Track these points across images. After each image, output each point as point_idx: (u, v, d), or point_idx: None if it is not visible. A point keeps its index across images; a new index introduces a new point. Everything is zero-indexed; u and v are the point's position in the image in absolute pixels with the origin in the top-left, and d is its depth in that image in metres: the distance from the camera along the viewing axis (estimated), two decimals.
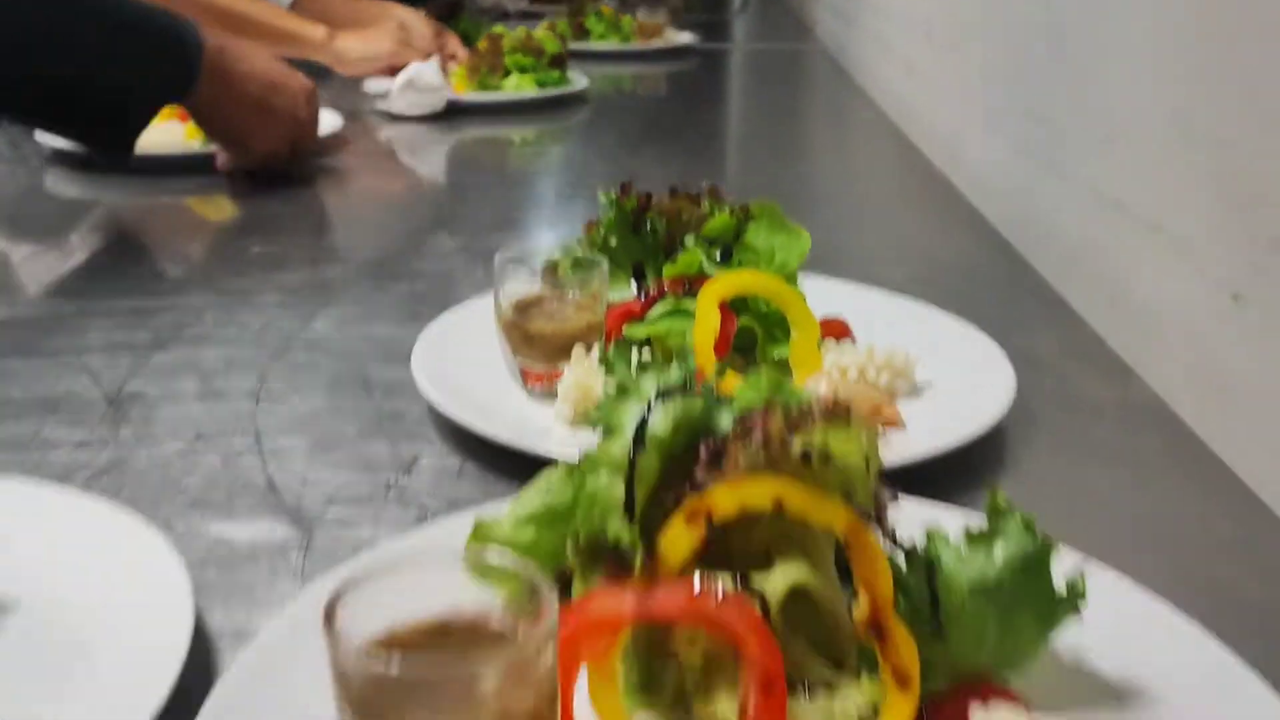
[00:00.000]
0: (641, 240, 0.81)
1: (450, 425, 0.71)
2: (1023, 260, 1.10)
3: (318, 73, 1.71)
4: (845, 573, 0.45)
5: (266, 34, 1.88)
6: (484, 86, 1.88)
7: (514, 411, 0.73)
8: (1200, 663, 0.48)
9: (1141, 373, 0.83)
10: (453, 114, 1.79)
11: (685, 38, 2.53)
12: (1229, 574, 0.60)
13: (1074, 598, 0.46)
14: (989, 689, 0.44)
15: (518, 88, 1.85)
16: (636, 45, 2.44)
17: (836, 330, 0.80)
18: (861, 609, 0.42)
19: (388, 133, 1.74)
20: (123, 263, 1.15)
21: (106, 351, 0.86)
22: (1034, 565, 0.45)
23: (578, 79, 1.96)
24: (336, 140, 1.58)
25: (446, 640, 0.38)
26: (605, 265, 0.76)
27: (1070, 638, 0.47)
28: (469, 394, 0.73)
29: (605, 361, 0.57)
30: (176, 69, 1.24)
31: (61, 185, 1.43)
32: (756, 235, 0.80)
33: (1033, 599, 0.46)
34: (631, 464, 0.45)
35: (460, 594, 0.39)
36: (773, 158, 1.69)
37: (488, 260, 0.84)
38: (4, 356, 0.86)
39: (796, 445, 0.43)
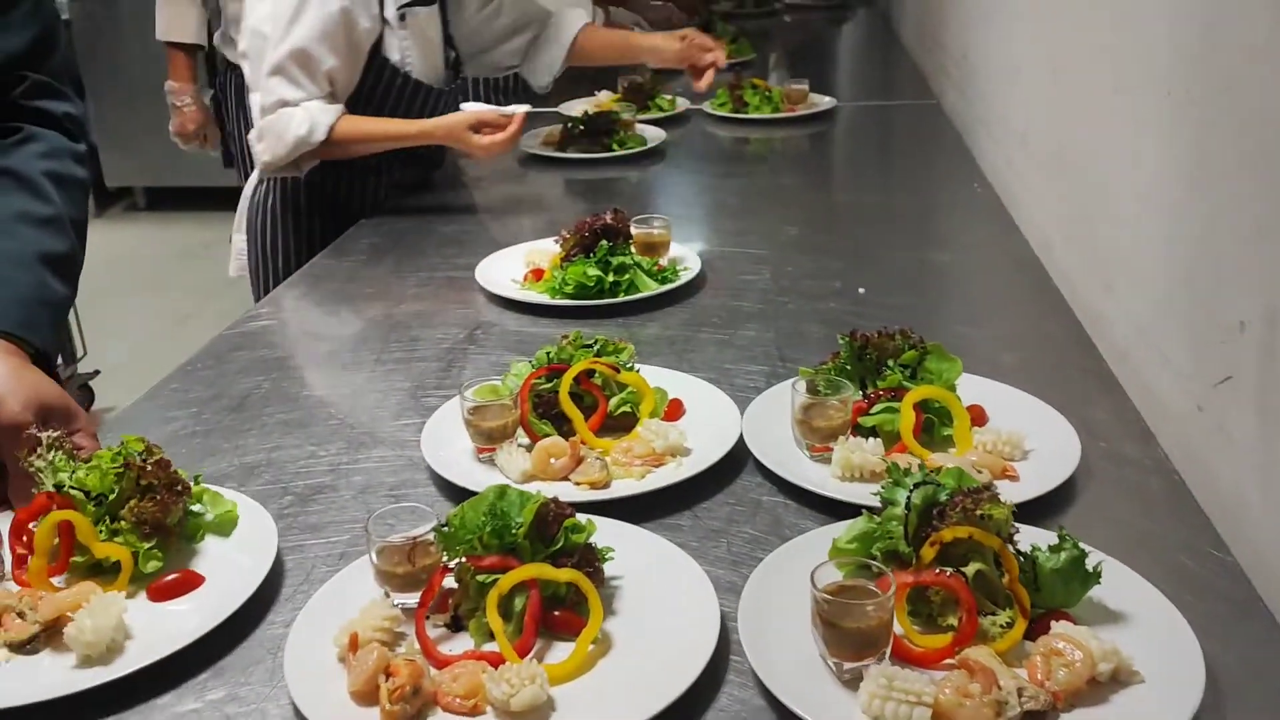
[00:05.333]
0: (864, 364, 1.43)
1: (774, 476, 1.33)
2: (1088, 340, 1.68)
3: None
4: (998, 565, 1.06)
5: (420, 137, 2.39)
6: None
7: (806, 468, 1.35)
8: (1149, 614, 1.09)
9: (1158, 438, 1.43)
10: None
11: (828, 101, 3.08)
12: None
13: (1095, 575, 1.07)
14: (1059, 615, 1.06)
15: None
16: (786, 113, 3.00)
17: (976, 413, 1.41)
18: (1006, 579, 1.04)
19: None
20: None
21: None
22: (1077, 562, 1.06)
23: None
24: None
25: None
26: (850, 385, 1.37)
27: (1093, 593, 1.08)
28: (786, 457, 1.35)
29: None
30: None
31: None
32: (930, 361, 1.41)
33: (1077, 576, 1.07)
34: (906, 518, 1.08)
35: None
36: (903, 237, 2.26)
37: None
38: None
39: (977, 512, 1.05)
